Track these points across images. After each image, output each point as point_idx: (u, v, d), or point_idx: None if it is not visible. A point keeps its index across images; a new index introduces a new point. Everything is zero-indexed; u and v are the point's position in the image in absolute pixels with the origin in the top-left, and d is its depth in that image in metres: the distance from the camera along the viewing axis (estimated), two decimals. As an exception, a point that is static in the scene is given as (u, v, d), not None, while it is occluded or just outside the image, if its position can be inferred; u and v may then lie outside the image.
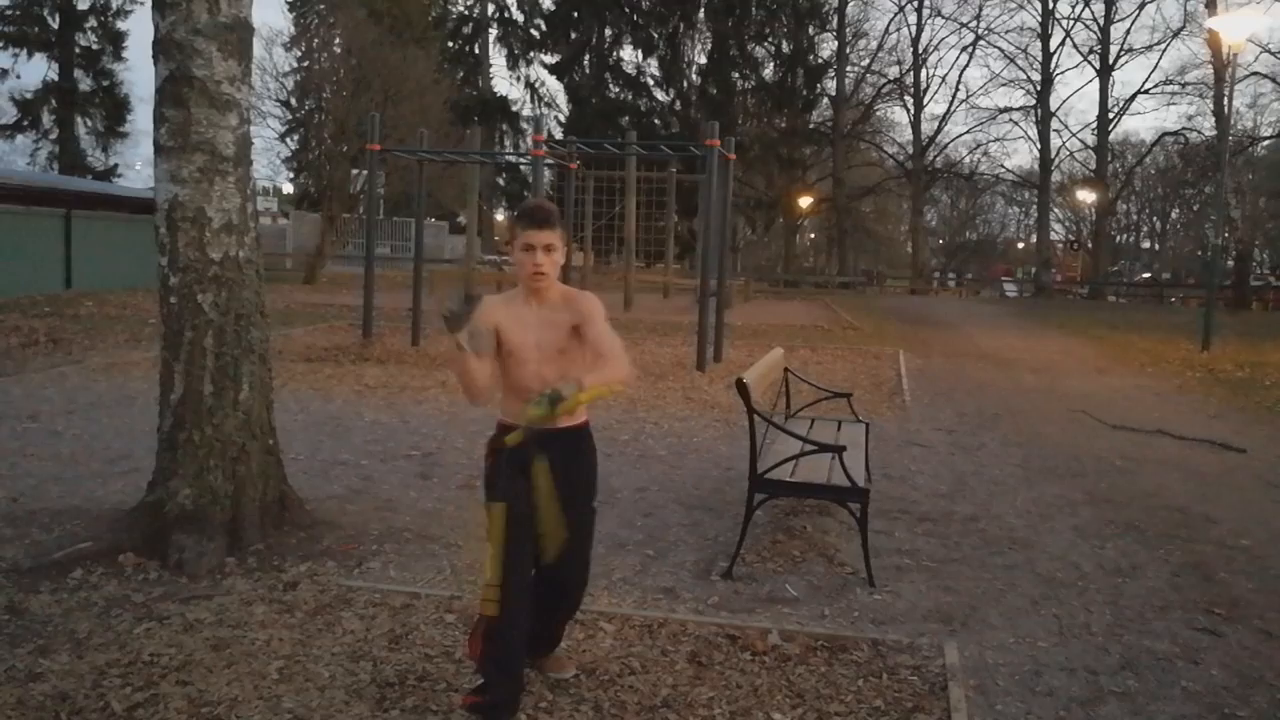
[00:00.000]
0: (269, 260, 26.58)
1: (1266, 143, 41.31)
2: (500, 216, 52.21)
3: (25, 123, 36.41)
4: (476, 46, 47.63)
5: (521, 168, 41.05)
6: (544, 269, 2.92)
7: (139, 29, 44.42)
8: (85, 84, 37.21)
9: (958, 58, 68.07)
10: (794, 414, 6.38)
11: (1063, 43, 44.07)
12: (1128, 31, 51.65)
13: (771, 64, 40.35)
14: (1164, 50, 51.92)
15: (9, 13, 35.41)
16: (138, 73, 58.51)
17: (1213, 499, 6.31)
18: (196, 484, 4.36)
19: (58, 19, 36.15)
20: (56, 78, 36.45)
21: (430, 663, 3.38)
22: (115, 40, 37.28)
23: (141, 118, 42.49)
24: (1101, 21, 43.04)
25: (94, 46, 37.13)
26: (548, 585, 3.11)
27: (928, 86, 46.68)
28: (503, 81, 61.95)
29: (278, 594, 3.97)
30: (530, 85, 46.75)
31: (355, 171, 26.29)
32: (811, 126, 43.09)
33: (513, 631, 2.92)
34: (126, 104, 38.01)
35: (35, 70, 45.87)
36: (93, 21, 36.89)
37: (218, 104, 4.40)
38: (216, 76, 4.39)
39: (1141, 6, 45.49)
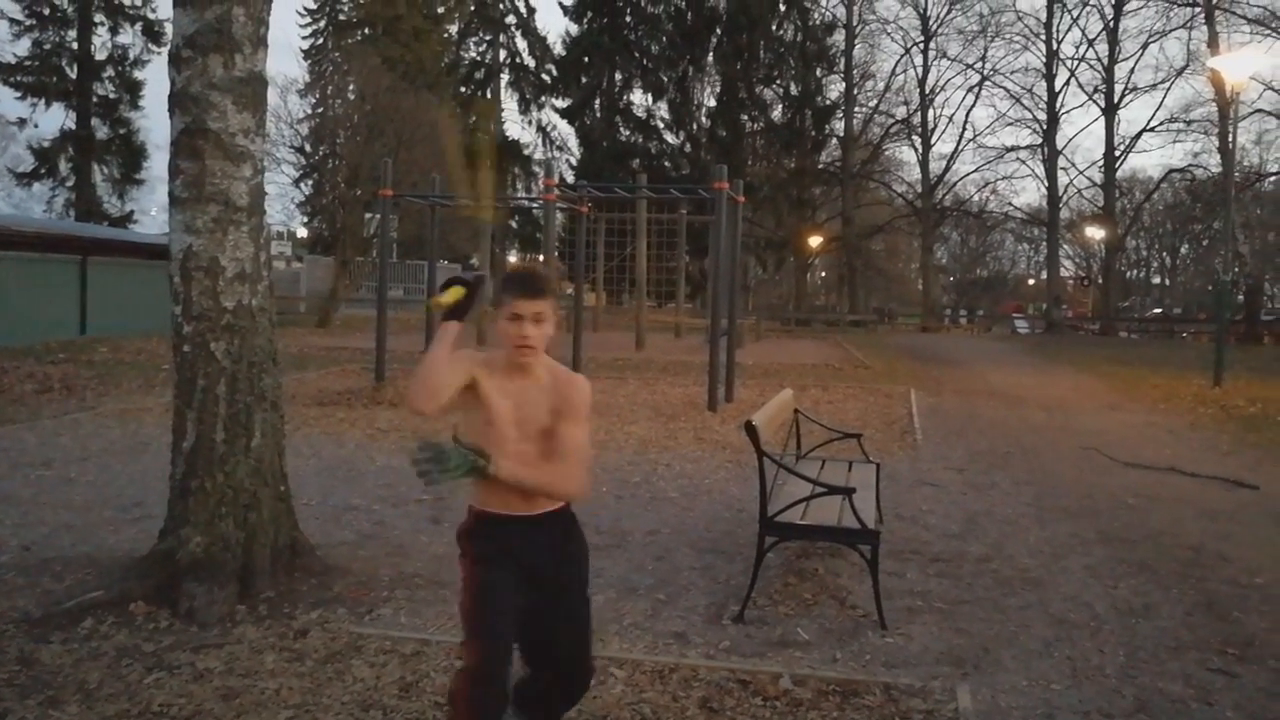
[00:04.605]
0: (283, 304, 26.84)
1: (1273, 178, 41.37)
2: (513, 258, 52.57)
3: (43, 170, 36.97)
4: (489, 91, 48.22)
5: (534, 211, 41.42)
6: (531, 342, 2.63)
7: (155, 78, 45.10)
8: (102, 132, 37.78)
9: (964, 98, 68.30)
10: (805, 455, 6.38)
11: (1068, 82, 44.34)
12: (1132, 71, 51.85)
13: (780, 106, 40.77)
14: (1168, 89, 52.35)
15: (28, 63, 36.09)
16: (154, 120, 59.43)
17: (1226, 537, 6.26)
18: (208, 532, 4.38)
19: (75, 69, 36.80)
20: (74, 126, 37.04)
21: (441, 711, 3.37)
22: (132, 89, 37.91)
23: (158, 164, 43.14)
24: (1105, 61, 43.31)
25: (111, 95, 37.74)
26: (555, 687, 2.91)
27: (935, 126, 46.90)
28: (514, 125, 62.48)
29: (288, 642, 3.97)
30: (542, 129, 47.25)
31: (368, 216, 26.57)
32: (820, 167, 43.38)
33: (490, 690, 2.64)
34: (143, 151, 38.57)
35: (53, 119, 46.50)
36: (110, 71, 37.54)
37: (232, 156, 4.48)
38: (231, 129, 4.48)
39: (1145, 46, 45.69)
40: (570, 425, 2.69)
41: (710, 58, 39.60)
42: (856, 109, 45.50)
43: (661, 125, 40.54)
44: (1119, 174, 45.68)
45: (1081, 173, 47.12)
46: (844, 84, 44.02)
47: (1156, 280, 70.56)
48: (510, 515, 2.70)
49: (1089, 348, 28.91)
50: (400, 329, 19.53)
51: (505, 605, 2.69)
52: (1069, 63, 44.45)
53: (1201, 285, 57.41)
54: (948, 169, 46.82)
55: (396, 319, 20.63)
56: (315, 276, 35.66)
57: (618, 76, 40.62)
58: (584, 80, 40.78)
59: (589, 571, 2.91)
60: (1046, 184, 44.79)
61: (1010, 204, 52.29)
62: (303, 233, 48.50)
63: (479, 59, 48.65)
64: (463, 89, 46.36)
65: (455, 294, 2.74)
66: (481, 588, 2.70)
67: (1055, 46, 43.84)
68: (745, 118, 39.67)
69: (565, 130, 44.85)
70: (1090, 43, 43.66)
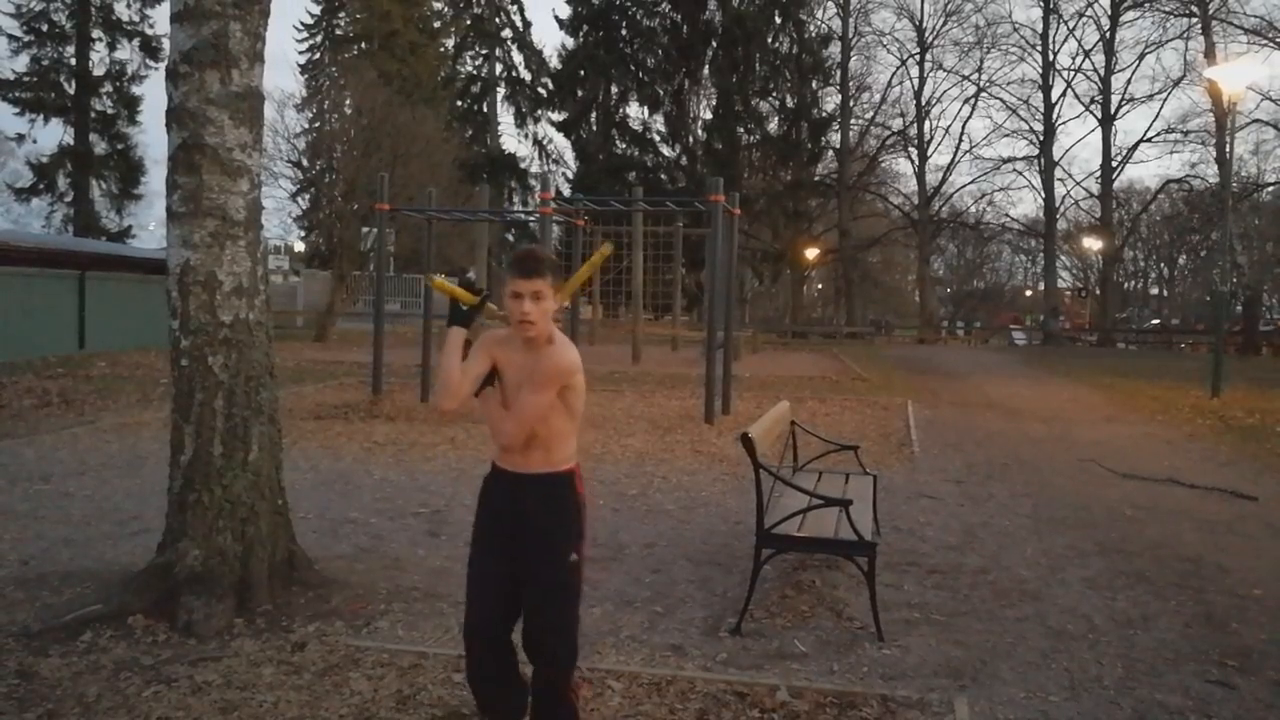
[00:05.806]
0: (280, 318, 26.80)
1: (1271, 188, 41.50)
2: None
3: (41, 186, 36.98)
4: (485, 105, 48.39)
5: (530, 224, 41.48)
6: (531, 317, 2.87)
7: (153, 93, 45.22)
8: (100, 147, 37.81)
9: (960, 109, 68.66)
10: (801, 467, 6.38)
11: (1064, 93, 44.60)
12: (1128, 82, 52.15)
13: (776, 118, 40.83)
14: (1165, 99, 52.34)
15: (26, 79, 36.18)
16: (152, 135, 59.48)
17: (1224, 548, 6.27)
18: (206, 545, 4.39)
19: (74, 85, 36.87)
20: (72, 142, 37.08)
21: (438, 724, 3.37)
22: (130, 105, 37.95)
23: (155, 179, 43.18)
24: (1102, 72, 43.59)
25: (109, 111, 37.79)
26: (525, 643, 3.07)
27: (931, 138, 47.13)
28: (511, 139, 62.72)
29: (286, 655, 3.97)
30: (538, 142, 47.44)
31: (365, 230, 26.56)
32: (817, 179, 43.48)
33: (475, 640, 3.06)
34: (141, 166, 38.58)
35: (51, 135, 46.69)
36: (108, 87, 37.59)
37: (229, 170, 4.50)
38: (228, 144, 4.50)
39: (1141, 57, 46.11)
40: (528, 389, 2.90)
41: (706, 71, 39.71)
42: (852, 121, 45.71)
43: (657, 138, 40.65)
44: (1116, 185, 45.97)
45: (1079, 184, 47.44)
46: (840, 96, 44.24)
47: (1154, 291, 70.64)
48: (504, 470, 3.03)
49: (1086, 359, 28.94)
50: (397, 342, 19.55)
51: (486, 569, 3.05)
52: (1065, 74, 44.73)
53: (1199, 296, 57.54)
54: (944, 180, 47.04)
55: (393, 333, 20.65)
56: (312, 290, 35.62)
57: (614, 90, 40.70)
58: (580, 94, 40.87)
59: (569, 540, 3.01)
60: (1043, 195, 45.01)
61: (1007, 215, 52.45)
62: (300, 247, 48.46)
63: (475, 73, 48.87)
64: (459, 103, 46.54)
65: (466, 297, 3.02)
66: (473, 548, 3.12)
67: (1051, 58, 44.15)
68: (741, 130, 39.74)
69: (561, 143, 45.05)
70: (1087, 54, 43.97)
